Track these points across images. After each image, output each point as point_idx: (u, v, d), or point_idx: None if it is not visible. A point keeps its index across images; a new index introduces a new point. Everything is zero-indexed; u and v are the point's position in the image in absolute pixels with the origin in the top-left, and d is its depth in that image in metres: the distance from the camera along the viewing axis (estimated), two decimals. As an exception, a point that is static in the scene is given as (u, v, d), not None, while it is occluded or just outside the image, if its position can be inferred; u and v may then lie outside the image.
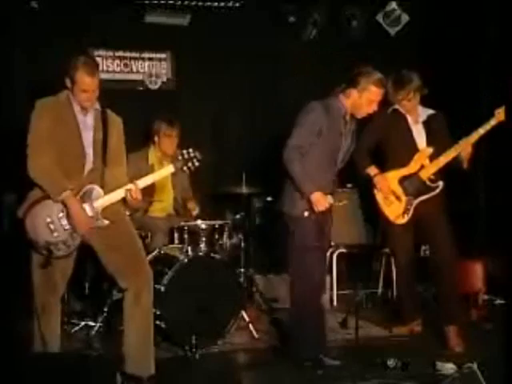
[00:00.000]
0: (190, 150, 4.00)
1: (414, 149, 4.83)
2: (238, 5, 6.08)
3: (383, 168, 4.92)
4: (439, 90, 6.78)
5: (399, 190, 4.83)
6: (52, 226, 3.74)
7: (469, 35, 6.17)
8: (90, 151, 3.89)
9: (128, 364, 3.93)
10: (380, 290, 6.32)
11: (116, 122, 4.05)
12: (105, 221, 3.85)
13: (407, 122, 4.88)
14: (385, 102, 4.65)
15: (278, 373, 4.28)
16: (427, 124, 4.89)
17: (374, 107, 4.25)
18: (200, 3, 5.98)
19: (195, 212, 5.46)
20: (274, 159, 4.26)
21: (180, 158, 4.00)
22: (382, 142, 4.93)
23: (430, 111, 4.94)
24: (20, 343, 4.56)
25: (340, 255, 6.04)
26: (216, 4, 6.05)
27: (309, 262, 4.24)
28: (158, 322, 4.60)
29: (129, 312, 3.94)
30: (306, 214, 4.22)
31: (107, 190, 3.86)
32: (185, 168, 4.01)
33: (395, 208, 4.83)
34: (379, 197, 4.88)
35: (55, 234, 3.75)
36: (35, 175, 3.78)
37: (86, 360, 3.71)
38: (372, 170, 4.89)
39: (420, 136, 4.86)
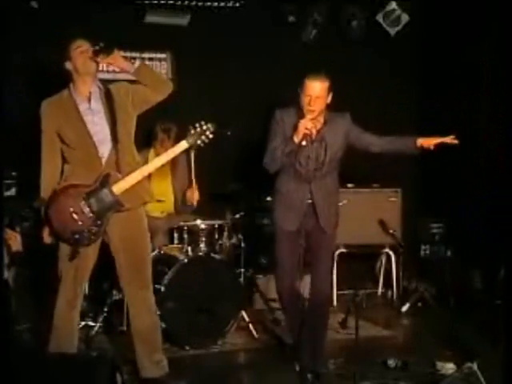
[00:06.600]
0: (202, 123, 3.81)
1: None
2: (237, 5, 6.07)
3: None
4: (439, 90, 6.79)
5: None
6: (76, 216, 3.70)
7: (469, 35, 6.17)
8: (100, 142, 3.81)
9: (144, 368, 3.93)
10: (380, 290, 6.32)
11: (121, 93, 3.92)
12: (126, 204, 3.78)
13: None
14: None
15: (278, 373, 4.28)
16: None
17: None
18: (200, 3, 5.97)
19: (194, 201, 5.06)
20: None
21: (192, 132, 3.81)
22: None
23: None
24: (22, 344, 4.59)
25: (340, 255, 6.03)
26: (216, 4, 6.04)
27: None
28: (157, 322, 4.60)
29: (136, 311, 3.93)
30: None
31: (125, 173, 3.80)
32: (199, 142, 3.80)
33: None
34: None
35: (79, 223, 3.71)
36: None
37: (86, 360, 3.72)
38: None
39: None
